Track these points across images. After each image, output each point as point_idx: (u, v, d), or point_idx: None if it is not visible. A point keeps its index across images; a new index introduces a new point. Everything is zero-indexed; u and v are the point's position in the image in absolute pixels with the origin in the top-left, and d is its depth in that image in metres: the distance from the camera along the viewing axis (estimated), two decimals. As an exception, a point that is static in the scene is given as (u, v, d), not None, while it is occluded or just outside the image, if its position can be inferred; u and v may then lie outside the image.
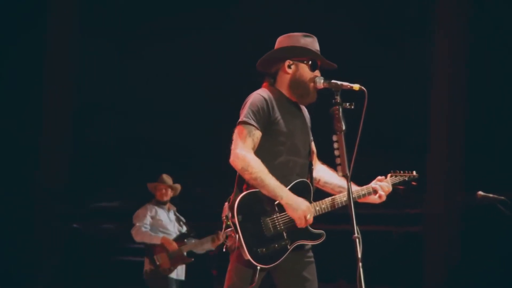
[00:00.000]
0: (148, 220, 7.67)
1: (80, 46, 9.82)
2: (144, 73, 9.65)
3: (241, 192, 3.83)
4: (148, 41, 9.64)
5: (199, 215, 8.58)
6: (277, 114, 3.90)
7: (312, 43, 4.03)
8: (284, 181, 3.82)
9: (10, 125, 9.34)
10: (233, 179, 3.93)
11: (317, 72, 4.00)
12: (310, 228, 3.87)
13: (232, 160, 3.80)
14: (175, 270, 7.62)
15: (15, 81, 9.45)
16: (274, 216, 3.81)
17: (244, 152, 3.77)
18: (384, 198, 4.03)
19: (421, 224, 8.85)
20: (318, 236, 3.90)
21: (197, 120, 9.42)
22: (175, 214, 7.93)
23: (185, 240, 7.74)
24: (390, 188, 4.05)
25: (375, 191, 4.01)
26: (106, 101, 9.94)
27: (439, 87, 8.72)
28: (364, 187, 4.02)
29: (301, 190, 3.89)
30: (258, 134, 3.84)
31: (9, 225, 9.19)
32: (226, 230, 3.79)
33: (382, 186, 4.01)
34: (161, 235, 7.62)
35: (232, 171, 3.89)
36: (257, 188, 3.79)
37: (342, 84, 3.76)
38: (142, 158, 9.56)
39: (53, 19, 9.75)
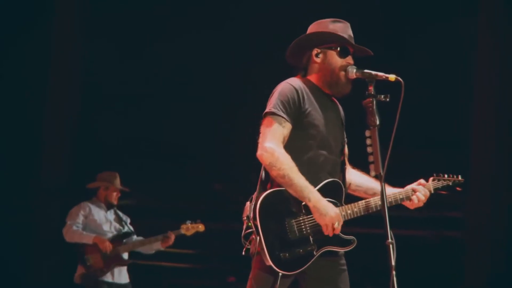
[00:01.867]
0: (80, 218, 7.65)
1: (83, 46, 9.95)
2: (144, 73, 9.81)
3: (265, 190, 3.79)
4: (148, 41, 9.81)
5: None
6: (308, 105, 3.88)
7: (343, 28, 4.00)
8: (313, 179, 3.79)
9: (11, 124, 9.40)
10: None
11: (349, 59, 3.97)
12: (340, 233, 3.82)
13: (260, 154, 3.76)
14: (111, 273, 7.57)
15: (17, 80, 9.49)
16: (301, 218, 3.77)
17: (273, 146, 3.74)
18: (414, 207, 3.98)
19: (462, 228, 8.70)
20: (348, 243, 3.85)
21: (197, 120, 9.56)
22: (115, 214, 7.91)
23: (124, 240, 7.73)
24: (427, 195, 3.98)
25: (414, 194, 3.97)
26: (106, 100, 10.03)
27: (484, 76, 8.56)
28: (403, 190, 3.98)
29: (332, 190, 3.85)
30: (288, 126, 3.82)
31: (8, 225, 9.25)
32: (246, 232, 3.76)
33: (419, 198, 3.95)
34: (93, 234, 7.57)
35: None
36: (283, 187, 3.75)
37: (376, 74, 3.72)
38: (142, 158, 9.71)
39: (56, 19, 9.84)
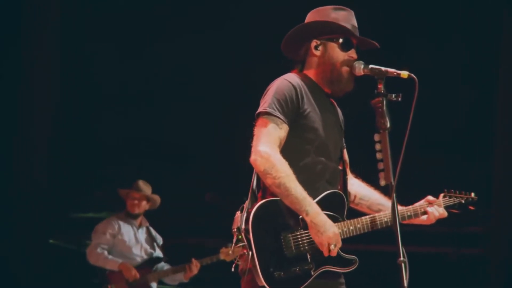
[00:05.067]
0: (106, 239, 6.73)
1: (83, 46, 9.71)
2: (144, 73, 9.65)
3: (257, 199, 3.36)
4: (148, 41, 9.66)
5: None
6: (307, 106, 3.41)
7: (347, 17, 3.52)
8: (310, 188, 3.33)
9: (3, 124, 9.02)
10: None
11: (352, 53, 3.49)
12: (341, 252, 3.38)
13: (254, 159, 3.30)
14: None
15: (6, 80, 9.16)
16: (298, 233, 3.31)
17: (268, 150, 3.28)
18: (433, 221, 3.56)
19: (484, 245, 8.41)
20: (349, 263, 3.40)
21: (197, 120, 9.41)
22: (147, 232, 7.03)
23: (154, 267, 6.85)
24: (446, 214, 3.57)
25: (424, 213, 3.54)
26: (106, 100, 9.82)
27: (508, 77, 8.07)
28: (411, 207, 3.56)
29: (332, 203, 3.40)
30: (285, 128, 3.36)
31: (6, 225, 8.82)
32: (236, 246, 3.30)
33: (437, 211, 3.53)
34: (119, 260, 6.66)
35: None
36: (278, 196, 3.30)
37: (387, 71, 3.27)
38: (142, 158, 9.48)
39: (53, 19, 9.42)
